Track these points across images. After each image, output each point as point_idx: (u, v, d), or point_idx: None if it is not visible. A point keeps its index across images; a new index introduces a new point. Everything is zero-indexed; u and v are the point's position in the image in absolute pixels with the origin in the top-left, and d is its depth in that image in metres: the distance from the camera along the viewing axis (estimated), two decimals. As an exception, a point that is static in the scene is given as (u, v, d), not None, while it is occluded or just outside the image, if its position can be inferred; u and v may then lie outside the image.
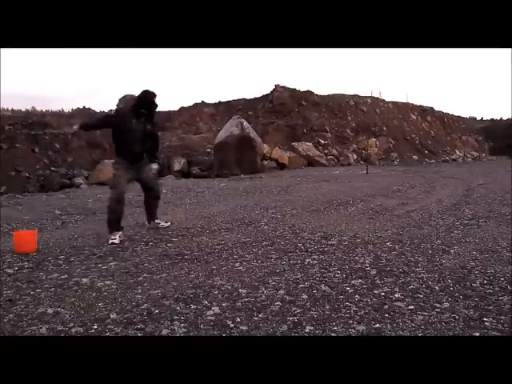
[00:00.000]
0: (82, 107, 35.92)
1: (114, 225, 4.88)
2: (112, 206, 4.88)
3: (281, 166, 15.94)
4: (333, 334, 2.55)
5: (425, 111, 26.84)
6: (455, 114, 30.34)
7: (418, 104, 27.28)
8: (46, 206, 7.59)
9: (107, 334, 2.56)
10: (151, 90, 5.03)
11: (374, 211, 6.83)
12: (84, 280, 3.51)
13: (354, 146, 20.26)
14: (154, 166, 5.28)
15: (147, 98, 5.00)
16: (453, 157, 23.40)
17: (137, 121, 4.94)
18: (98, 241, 4.86)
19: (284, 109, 20.83)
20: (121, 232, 4.92)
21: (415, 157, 21.77)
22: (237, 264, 3.95)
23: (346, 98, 23.52)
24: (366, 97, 24.65)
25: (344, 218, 6.30)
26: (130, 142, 4.90)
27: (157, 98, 5.03)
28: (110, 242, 4.70)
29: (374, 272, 3.70)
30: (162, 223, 5.57)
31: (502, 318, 2.78)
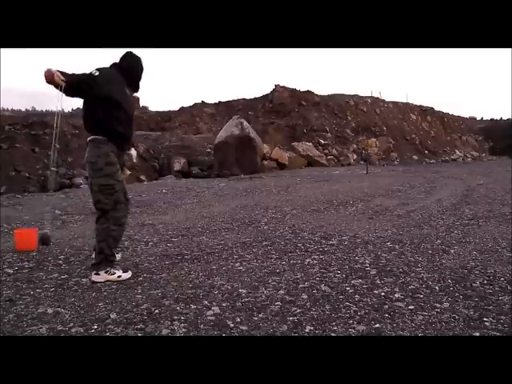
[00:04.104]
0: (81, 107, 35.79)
1: (113, 254, 3.54)
2: (119, 229, 3.51)
3: (281, 166, 15.93)
4: (333, 334, 2.55)
5: (425, 111, 26.84)
6: (455, 114, 30.36)
7: (418, 104, 27.30)
8: (45, 206, 7.58)
9: (107, 334, 2.55)
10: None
11: (373, 211, 6.83)
12: (84, 280, 3.51)
13: (354, 146, 20.26)
14: (133, 153, 4.03)
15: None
16: (453, 157, 23.39)
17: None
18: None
19: (284, 109, 20.82)
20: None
21: (415, 157, 21.77)
22: (237, 264, 3.95)
23: (346, 98, 23.53)
24: (366, 97, 24.65)
25: (344, 217, 6.30)
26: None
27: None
28: (127, 276, 3.50)
29: (374, 272, 3.70)
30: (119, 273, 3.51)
31: (502, 317, 2.78)
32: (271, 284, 3.40)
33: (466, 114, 33.61)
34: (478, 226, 5.69)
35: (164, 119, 23.93)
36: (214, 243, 4.76)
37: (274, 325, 2.67)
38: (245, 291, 3.24)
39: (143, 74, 3.67)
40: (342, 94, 24.24)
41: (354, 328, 2.62)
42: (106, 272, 3.43)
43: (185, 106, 24.91)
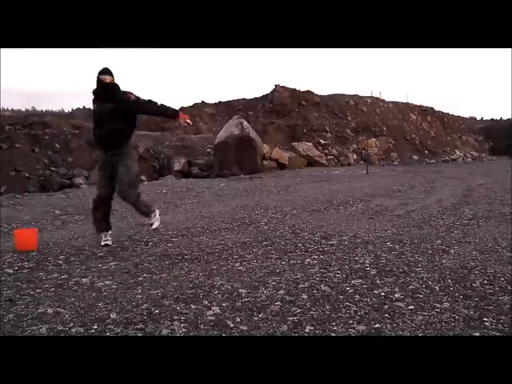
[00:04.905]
0: (81, 107, 35.97)
1: (99, 226, 4.69)
2: (92, 209, 4.73)
3: (281, 166, 15.92)
4: (333, 334, 2.55)
5: (425, 111, 26.83)
6: (455, 113, 30.34)
7: (418, 104, 27.28)
8: (46, 206, 7.58)
9: (107, 334, 2.55)
10: (103, 68, 4.61)
11: (373, 211, 6.83)
12: (84, 280, 3.51)
13: (354, 146, 20.25)
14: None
15: (97, 78, 4.57)
16: (453, 157, 23.38)
17: (98, 104, 4.60)
18: (97, 241, 4.85)
19: (284, 109, 20.81)
20: (110, 231, 4.75)
21: (415, 157, 21.76)
22: (237, 264, 3.95)
23: (346, 98, 23.51)
24: (366, 97, 24.63)
25: (344, 217, 6.29)
26: (96, 127, 4.60)
27: (106, 74, 4.54)
28: (103, 243, 4.60)
29: (373, 272, 3.70)
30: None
31: (502, 317, 2.78)
32: (271, 284, 3.40)
33: (466, 114, 33.61)
34: (478, 226, 5.69)
35: (164, 119, 23.87)
36: (214, 243, 4.76)
37: (274, 325, 2.67)
38: (245, 291, 3.24)
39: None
40: (342, 94, 24.22)
41: (354, 328, 2.62)
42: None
43: (185, 106, 24.89)
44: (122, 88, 4.69)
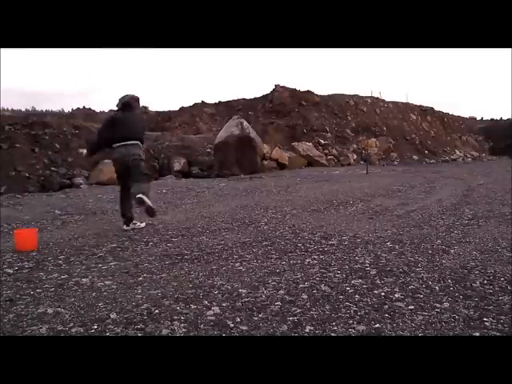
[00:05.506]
0: (82, 107, 35.99)
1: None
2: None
3: (281, 166, 15.92)
4: (333, 334, 2.55)
5: (425, 111, 26.83)
6: (455, 113, 30.36)
7: (418, 104, 27.29)
8: (46, 206, 7.58)
9: (107, 334, 2.56)
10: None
11: (373, 211, 6.83)
12: (84, 280, 3.51)
13: (354, 146, 20.25)
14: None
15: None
16: (453, 157, 23.39)
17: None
18: (97, 241, 4.86)
19: (284, 109, 20.82)
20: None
21: (415, 157, 21.77)
22: (237, 264, 3.95)
23: (346, 98, 23.51)
24: (366, 97, 24.64)
25: (344, 217, 6.30)
26: None
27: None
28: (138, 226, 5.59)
29: (373, 272, 3.70)
30: (138, 223, 5.68)
31: (502, 317, 2.78)
32: (271, 284, 3.40)
33: (466, 114, 33.69)
34: (478, 226, 5.69)
35: (164, 119, 23.94)
36: (214, 243, 4.76)
37: (274, 325, 2.67)
38: (245, 291, 3.24)
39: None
40: (342, 94, 24.23)
41: (354, 328, 2.63)
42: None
43: (185, 105, 24.92)
44: (122, 93, 5.68)
